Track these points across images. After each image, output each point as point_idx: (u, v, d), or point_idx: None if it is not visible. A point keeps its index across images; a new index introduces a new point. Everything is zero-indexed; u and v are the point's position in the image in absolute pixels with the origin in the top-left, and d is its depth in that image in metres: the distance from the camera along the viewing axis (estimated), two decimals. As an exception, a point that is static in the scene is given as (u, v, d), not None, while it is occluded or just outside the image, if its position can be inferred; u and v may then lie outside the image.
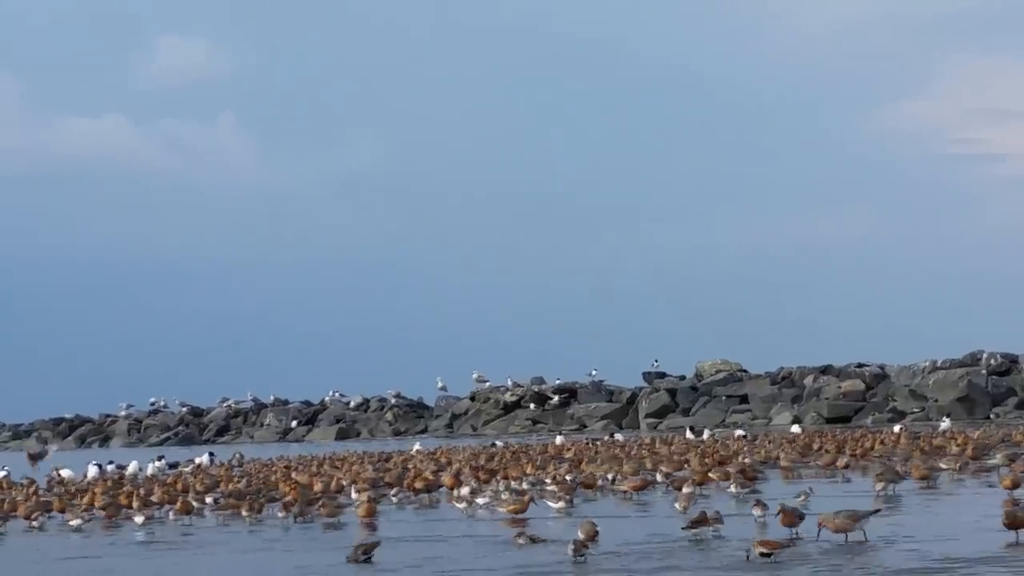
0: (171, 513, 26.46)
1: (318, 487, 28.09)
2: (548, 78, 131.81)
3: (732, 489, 25.47)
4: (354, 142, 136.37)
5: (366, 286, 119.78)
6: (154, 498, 27.65)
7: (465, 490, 26.36)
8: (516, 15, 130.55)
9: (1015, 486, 22.52)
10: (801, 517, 18.85)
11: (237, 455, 46.44)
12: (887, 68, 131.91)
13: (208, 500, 27.87)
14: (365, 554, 18.27)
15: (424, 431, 75.98)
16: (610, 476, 28.82)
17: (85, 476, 37.92)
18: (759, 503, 20.94)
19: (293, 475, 33.07)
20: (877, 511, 19.07)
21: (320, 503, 24.72)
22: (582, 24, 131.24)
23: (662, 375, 72.74)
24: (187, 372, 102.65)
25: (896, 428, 44.61)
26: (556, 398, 73.19)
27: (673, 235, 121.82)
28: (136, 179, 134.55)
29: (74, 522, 25.41)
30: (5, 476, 38.56)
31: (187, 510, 26.34)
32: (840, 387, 65.39)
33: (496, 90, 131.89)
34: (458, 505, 24.87)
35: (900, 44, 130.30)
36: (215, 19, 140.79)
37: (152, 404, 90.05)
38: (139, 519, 25.55)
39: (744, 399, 67.97)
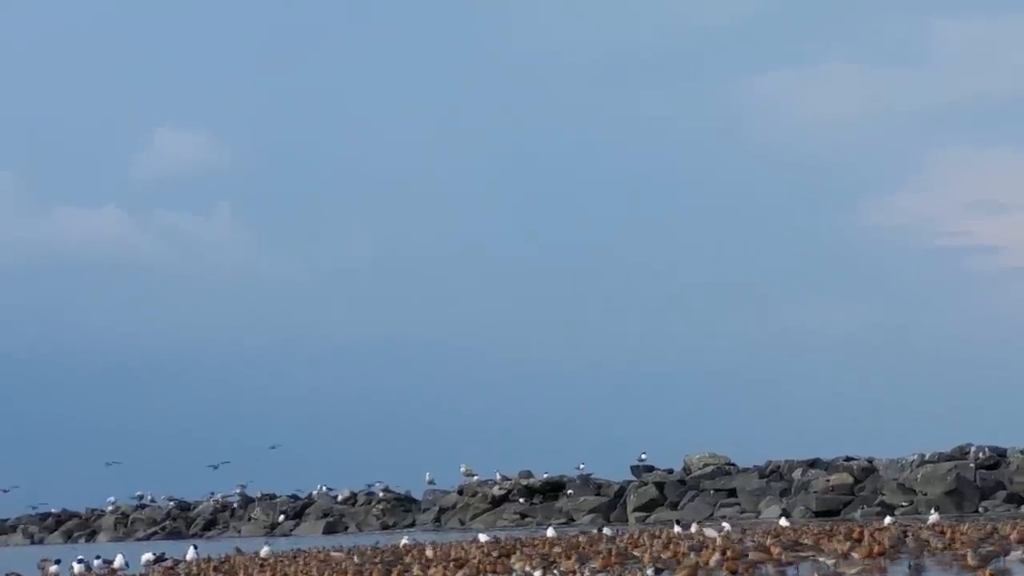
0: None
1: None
2: (539, 171, 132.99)
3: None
4: (351, 233, 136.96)
5: (359, 377, 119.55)
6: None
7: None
8: (509, 116, 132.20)
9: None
10: None
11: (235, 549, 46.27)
12: (876, 160, 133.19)
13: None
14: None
15: (412, 524, 75.65)
16: None
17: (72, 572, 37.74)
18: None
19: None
20: None
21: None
22: (571, 120, 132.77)
23: (650, 468, 72.62)
24: (174, 464, 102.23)
25: (887, 520, 44.58)
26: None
27: (659, 328, 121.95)
28: (131, 270, 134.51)
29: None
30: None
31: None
32: (828, 480, 65.31)
33: (488, 185, 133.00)
34: None
35: (888, 136, 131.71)
36: (211, 110, 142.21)
37: (139, 498, 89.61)
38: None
39: (732, 492, 67.82)
